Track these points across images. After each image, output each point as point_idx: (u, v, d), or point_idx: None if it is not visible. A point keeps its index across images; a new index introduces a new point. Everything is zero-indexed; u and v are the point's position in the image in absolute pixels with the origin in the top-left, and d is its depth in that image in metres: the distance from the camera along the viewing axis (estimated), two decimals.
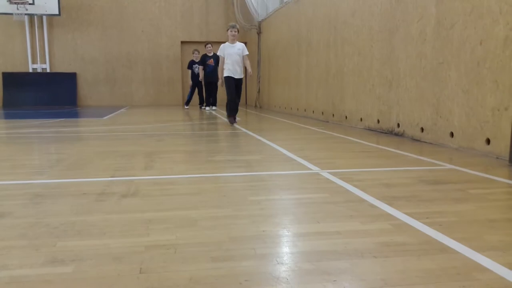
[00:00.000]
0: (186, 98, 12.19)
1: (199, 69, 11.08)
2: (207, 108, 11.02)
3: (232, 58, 6.52)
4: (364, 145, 4.36)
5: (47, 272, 1.36)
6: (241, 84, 6.73)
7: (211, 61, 10.61)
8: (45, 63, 13.86)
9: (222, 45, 6.67)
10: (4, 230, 1.76)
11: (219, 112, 9.93)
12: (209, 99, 11.00)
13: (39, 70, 13.85)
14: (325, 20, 7.36)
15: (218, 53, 6.64)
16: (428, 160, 3.45)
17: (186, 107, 11.95)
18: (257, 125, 6.82)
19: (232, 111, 6.66)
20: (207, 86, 10.83)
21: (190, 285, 1.28)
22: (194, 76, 11.29)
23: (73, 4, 13.85)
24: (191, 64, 11.37)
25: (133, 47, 14.43)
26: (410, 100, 4.82)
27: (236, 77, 6.56)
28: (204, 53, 10.90)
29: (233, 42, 6.61)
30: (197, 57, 11.26)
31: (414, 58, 4.71)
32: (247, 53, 6.70)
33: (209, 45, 10.83)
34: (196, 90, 11.60)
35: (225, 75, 6.57)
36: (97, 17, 14.10)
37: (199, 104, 11.75)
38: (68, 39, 14.01)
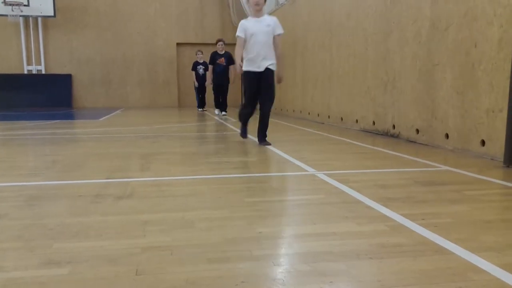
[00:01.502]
0: (184, 99, 11.91)
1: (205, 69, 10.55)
2: (216, 112, 9.74)
3: (258, 39, 4.26)
4: (359, 147, 4.37)
5: (42, 274, 1.36)
6: (273, 77, 4.39)
7: (221, 60, 9.06)
8: (40, 64, 13.80)
9: (242, 22, 4.40)
10: None
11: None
12: (219, 104, 9.54)
13: (34, 72, 13.79)
14: (321, 22, 7.37)
15: (237, 34, 4.33)
16: (424, 161, 3.46)
17: (199, 110, 11.27)
18: (253, 126, 6.80)
19: (247, 121, 4.92)
20: (216, 89, 9.46)
21: (187, 286, 1.28)
22: (199, 78, 10.95)
23: (68, 6, 13.80)
24: (195, 65, 11.05)
25: (129, 49, 14.39)
26: (405, 102, 4.84)
27: (260, 70, 4.31)
28: (214, 50, 9.39)
29: (258, 14, 4.32)
30: (200, 58, 10.96)
31: (409, 60, 4.72)
32: (281, 31, 4.37)
33: (221, 42, 9.28)
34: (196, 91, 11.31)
35: (244, 68, 4.38)
36: (92, 19, 14.05)
37: (197, 106, 11.62)
38: (63, 41, 13.95)
